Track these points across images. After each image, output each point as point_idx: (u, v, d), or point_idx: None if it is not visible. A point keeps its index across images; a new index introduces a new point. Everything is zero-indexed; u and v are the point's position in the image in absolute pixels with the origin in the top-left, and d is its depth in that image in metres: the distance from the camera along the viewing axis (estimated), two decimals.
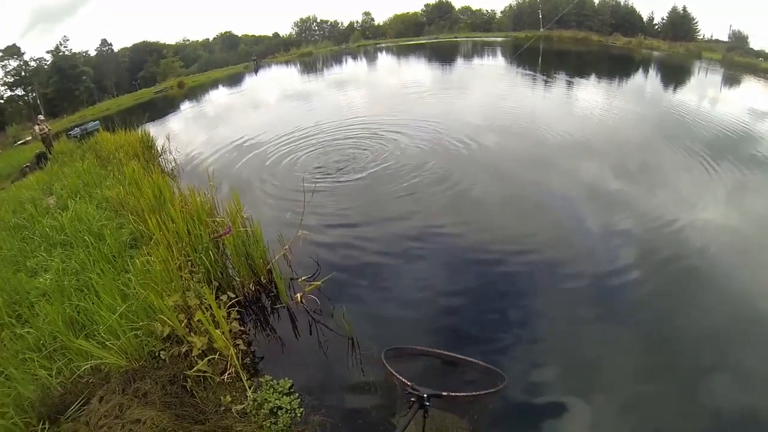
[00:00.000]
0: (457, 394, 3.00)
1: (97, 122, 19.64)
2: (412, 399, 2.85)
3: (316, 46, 55.94)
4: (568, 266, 6.26)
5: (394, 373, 3.17)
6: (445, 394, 2.89)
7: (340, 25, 61.92)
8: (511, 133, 12.74)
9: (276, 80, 37.36)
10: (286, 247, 6.22)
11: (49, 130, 17.49)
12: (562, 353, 4.91)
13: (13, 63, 41.16)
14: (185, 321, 4.64)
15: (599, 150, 11.16)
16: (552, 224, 7.49)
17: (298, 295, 5.60)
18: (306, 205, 6.73)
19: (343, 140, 13.20)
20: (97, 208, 8.59)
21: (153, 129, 18.30)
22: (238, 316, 5.33)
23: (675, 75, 27.68)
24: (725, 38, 42.29)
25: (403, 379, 3.05)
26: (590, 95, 18.98)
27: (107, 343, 4.59)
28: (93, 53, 47.25)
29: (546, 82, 23.04)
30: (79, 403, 4.26)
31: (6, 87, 40.81)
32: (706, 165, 9.54)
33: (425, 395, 2.83)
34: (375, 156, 11.37)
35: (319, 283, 5.83)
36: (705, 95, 20.05)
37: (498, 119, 14.30)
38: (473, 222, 7.71)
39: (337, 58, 46.59)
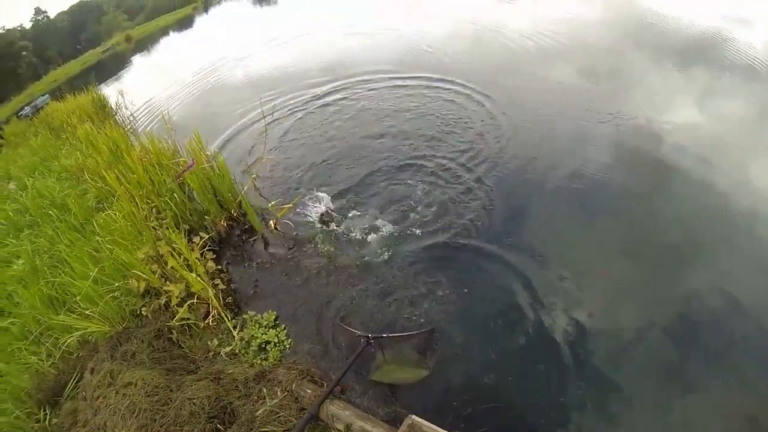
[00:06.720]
0: (394, 334, 3.75)
1: (47, 96, 18.63)
2: (362, 341, 3.59)
3: None
4: (547, 164, 5.79)
5: (346, 327, 3.89)
6: (385, 335, 3.66)
7: None
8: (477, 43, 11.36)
9: (228, 15, 34.96)
10: (254, 175, 5.70)
11: None
12: (548, 241, 4.67)
13: None
14: (159, 271, 4.24)
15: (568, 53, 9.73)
16: (527, 125, 6.79)
17: (272, 221, 5.18)
18: (266, 127, 6.12)
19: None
20: (57, 180, 8.03)
21: (107, 89, 17.34)
22: (214, 256, 4.93)
23: None
24: None
25: (352, 329, 3.81)
26: None
27: (87, 312, 4.26)
28: (28, 25, 43.98)
29: None
30: (75, 379, 4.05)
31: None
32: (678, 67, 8.47)
33: (369, 335, 3.61)
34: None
35: (290, 205, 5.34)
36: None
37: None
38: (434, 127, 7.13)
39: None
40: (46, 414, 3.91)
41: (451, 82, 8.46)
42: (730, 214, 4.70)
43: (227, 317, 4.12)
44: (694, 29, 9.50)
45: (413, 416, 2.93)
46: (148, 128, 10.55)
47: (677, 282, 4.06)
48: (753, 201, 4.80)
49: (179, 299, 4.02)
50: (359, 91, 9.07)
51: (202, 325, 4.10)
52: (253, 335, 3.94)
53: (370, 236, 5.00)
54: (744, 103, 6.63)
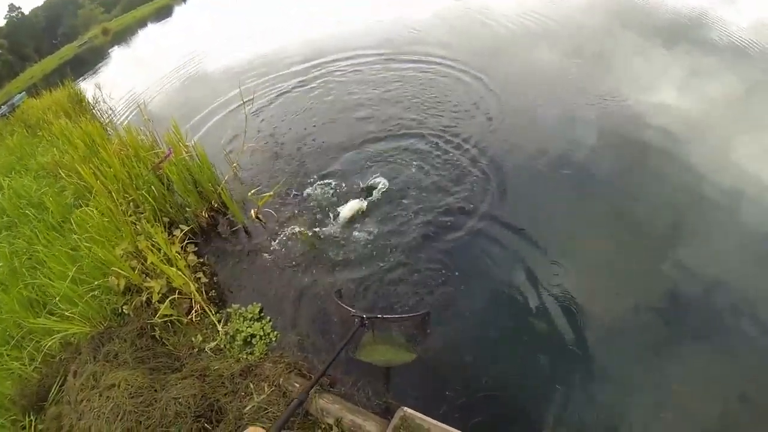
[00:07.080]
0: (389, 316, 3.71)
1: (23, 94, 18.16)
2: (356, 320, 3.55)
3: None
4: (530, 147, 5.62)
5: (342, 304, 3.83)
6: (380, 316, 3.63)
7: None
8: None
9: (207, 3, 34.28)
10: (234, 163, 5.53)
11: None
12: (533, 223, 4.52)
13: None
14: (139, 267, 4.09)
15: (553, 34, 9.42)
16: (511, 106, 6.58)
17: (252, 211, 5.03)
18: (247, 113, 5.89)
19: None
20: (34, 179, 7.78)
21: (84, 83, 16.98)
22: (196, 249, 4.80)
23: None
24: None
25: (348, 307, 3.75)
26: None
27: (67, 313, 4.11)
28: (2, 23, 42.86)
29: None
30: (58, 383, 3.91)
31: None
32: (661, 48, 8.26)
33: (364, 315, 3.56)
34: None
35: (271, 193, 5.16)
36: None
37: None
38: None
39: None
40: (32, 420, 3.77)
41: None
42: (720, 190, 4.60)
43: (211, 311, 3.98)
44: (687, 8, 9.30)
45: (405, 408, 2.84)
46: (127, 120, 10.29)
47: (676, 261, 3.94)
48: (744, 179, 4.70)
49: (161, 295, 3.88)
50: (342, 72, 8.87)
51: (185, 320, 3.96)
52: (237, 329, 3.82)
53: (355, 221, 4.86)
54: (736, 82, 6.50)
